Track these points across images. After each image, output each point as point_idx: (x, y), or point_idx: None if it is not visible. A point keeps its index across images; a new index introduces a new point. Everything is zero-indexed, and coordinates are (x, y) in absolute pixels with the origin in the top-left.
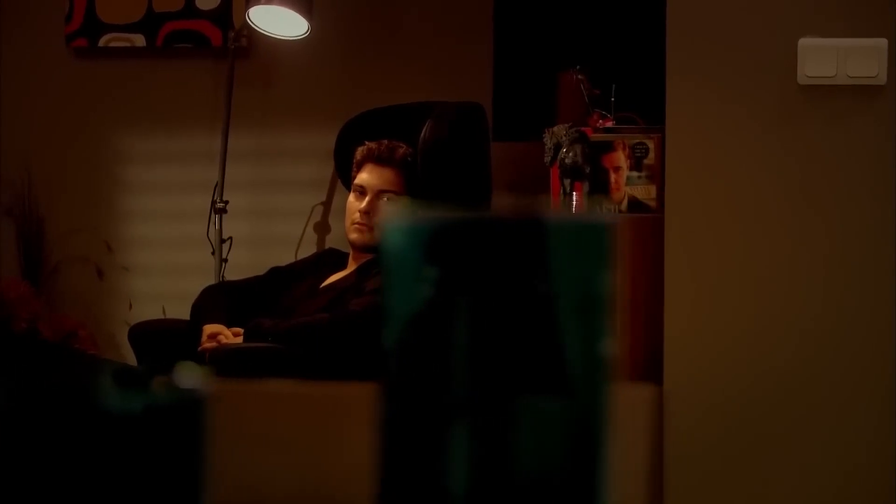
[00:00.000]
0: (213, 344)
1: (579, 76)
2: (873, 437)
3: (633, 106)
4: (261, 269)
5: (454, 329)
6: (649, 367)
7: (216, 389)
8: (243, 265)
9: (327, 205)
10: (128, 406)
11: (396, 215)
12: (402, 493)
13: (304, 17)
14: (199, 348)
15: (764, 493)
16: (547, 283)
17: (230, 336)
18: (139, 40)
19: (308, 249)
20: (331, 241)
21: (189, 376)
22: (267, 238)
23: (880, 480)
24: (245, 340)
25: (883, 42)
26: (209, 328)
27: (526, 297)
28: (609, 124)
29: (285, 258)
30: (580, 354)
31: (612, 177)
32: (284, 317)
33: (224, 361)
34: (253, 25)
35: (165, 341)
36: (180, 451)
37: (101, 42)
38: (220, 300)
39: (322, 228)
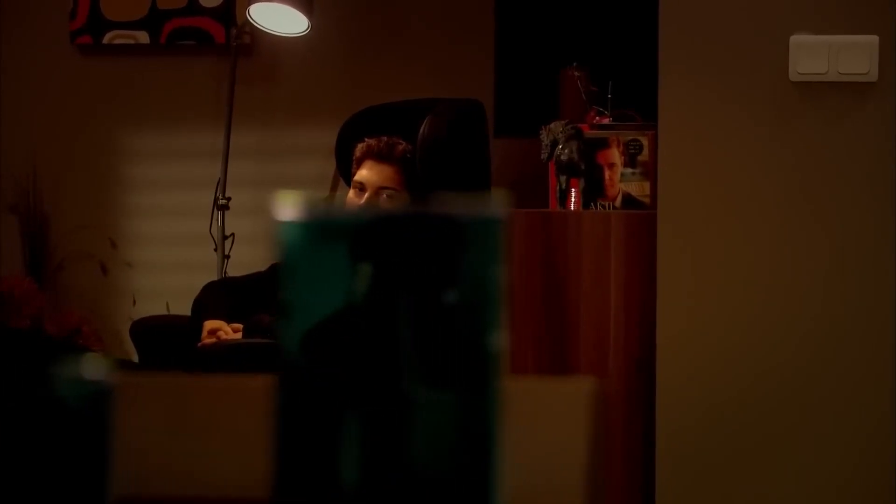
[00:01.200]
0: (213, 340)
1: (577, 73)
2: (872, 438)
3: (632, 103)
4: (263, 266)
5: (350, 323)
6: (643, 365)
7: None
8: (246, 262)
9: (329, 201)
10: (32, 398)
11: (291, 210)
12: (296, 485)
13: (305, 14)
14: (199, 344)
15: (760, 494)
16: (439, 278)
17: (230, 332)
18: (143, 37)
19: None
20: None
21: (94, 369)
22: (269, 235)
23: (879, 481)
24: (245, 336)
25: (874, 39)
26: (209, 324)
27: (419, 291)
28: (606, 121)
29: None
30: (471, 348)
31: (607, 173)
32: None
33: (223, 357)
34: (253, 22)
35: (167, 337)
36: (85, 443)
37: (105, 39)
38: (221, 296)
39: None
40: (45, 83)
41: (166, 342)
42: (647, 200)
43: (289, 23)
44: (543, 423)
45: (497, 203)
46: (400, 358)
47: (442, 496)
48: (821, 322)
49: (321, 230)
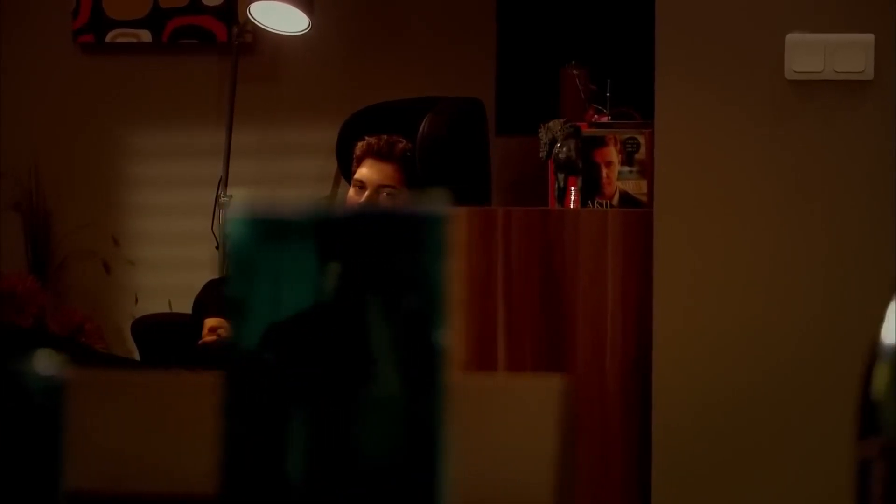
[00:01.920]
0: (214, 337)
1: (575, 71)
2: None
3: (632, 101)
4: None
5: (295, 320)
6: (640, 364)
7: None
8: None
9: (331, 199)
10: None
11: (239, 209)
12: (242, 480)
13: (305, 12)
14: (200, 342)
15: (756, 494)
16: (384, 276)
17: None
18: (145, 36)
19: None
20: None
21: (47, 364)
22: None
23: None
24: None
25: (870, 37)
26: (210, 322)
27: (364, 289)
28: (605, 119)
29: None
30: (417, 345)
31: (604, 172)
32: None
33: (223, 355)
34: (254, 21)
35: (168, 335)
36: (37, 438)
37: (108, 38)
38: (222, 294)
39: None
40: (48, 81)
41: (167, 340)
42: (644, 199)
43: (289, 21)
44: (513, 420)
45: (440, 201)
46: (346, 356)
47: (389, 491)
48: (818, 321)
49: (268, 228)
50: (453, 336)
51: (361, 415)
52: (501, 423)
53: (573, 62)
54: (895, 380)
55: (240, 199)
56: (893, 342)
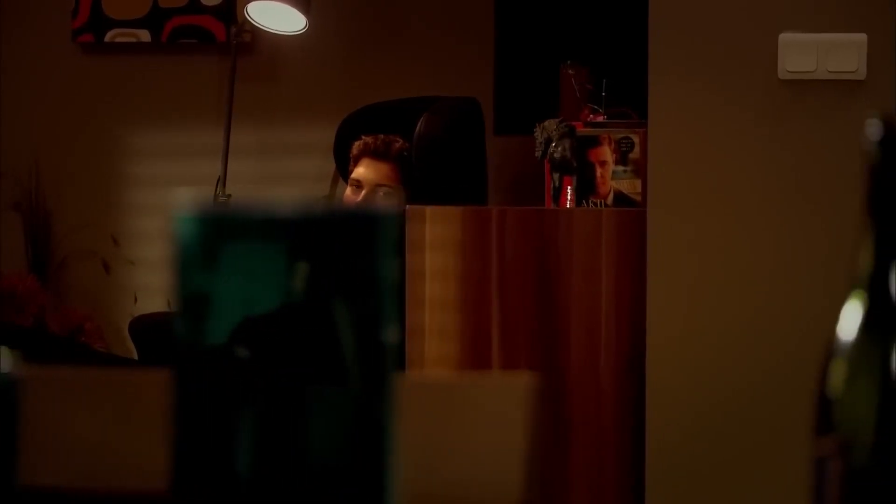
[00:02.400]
0: None
1: (571, 71)
2: None
3: (630, 101)
4: None
5: (243, 318)
6: (634, 363)
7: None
8: None
9: (329, 198)
10: None
11: (185, 206)
12: (193, 475)
13: (302, 12)
14: None
15: (751, 495)
16: (333, 274)
17: None
18: (144, 35)
19: None
20: None
21: (2, 360)
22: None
23: None
24: None
25: (862, 37)
26: None
27: (312, 288)
28: (600, 119)
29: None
30: (365, 343)
31: (599, 171)
32: None
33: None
34: (251, 20)
35: (165, 334)
36: None
37: (107, 37)
38: None
39: None
40: (47, 81)
41: (164, 339)
42: (638, 198)
43: (287, 21)
44: (482, 418)
45: (389, 201)
46: (295, 354)
47: (337, 487)
48: (812, 320)
49: (215, 225)
50: (400, 333)
51: (311, 411)
52: (470, 421)
53: (569, 62)
54: (851, 377)
55: (186, 197)
56: (848, 339)
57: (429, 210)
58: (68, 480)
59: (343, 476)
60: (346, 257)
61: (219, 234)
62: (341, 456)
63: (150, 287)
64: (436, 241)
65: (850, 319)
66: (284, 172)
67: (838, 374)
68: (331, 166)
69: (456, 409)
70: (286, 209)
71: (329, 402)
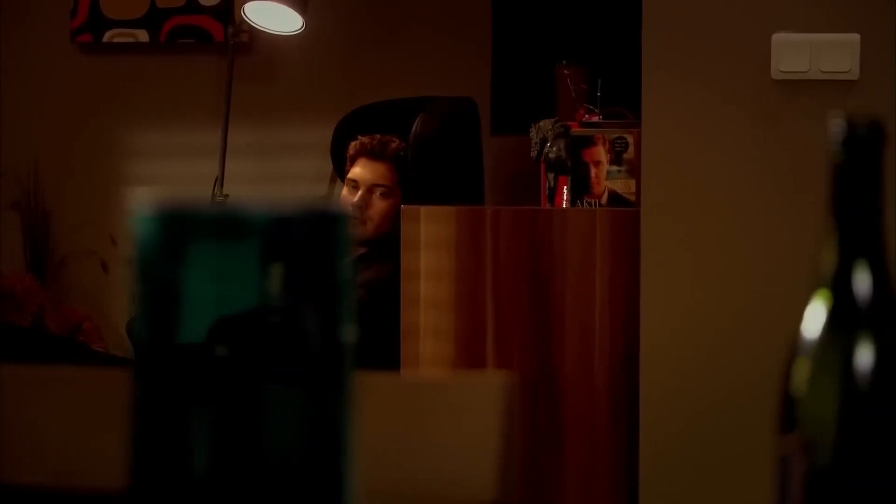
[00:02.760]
0: None
1: (566, 71)
2: None
3: (626, 101)
4: None
5: (201, 316)
6: (628, 362)
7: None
8: None
9: (327, 199)
10: None
11: (144, 206)
12: (150, 472)
13: (299, 12)
14: None
15: (745, 494)
16: (288, 274)
17: None
18: (143, 35)
19: None
20: None
21: None
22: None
23: None
24: None
25: (855, 37)
26: None
27: (270, 287)
28: (595, 119)
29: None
30: (322, 341)
31: (593, 171)
32: None
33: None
34: (248, 20)
35: None
36: None
37: (106, 37)
38: None
39: None
40: (46, 81)
41: None
42: (632, 198)
43: (284, 21)
44: (456, 416)
45: (340, 201)
46: (252, 352)
47: (295, 485)
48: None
49: (172, 225)
50: (355, 332)
51: (268, 410)
52: (443, 420)
53: (564, 62)
54: (814, 376)
55: (144, 195)
56: (812, 338)
57: (423, 210)
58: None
59: (301, 474)
60: (303, 257)
61: (176, 234)
62: (299, 454)
63: None
64: (430, 240)
65: (814, 318)
66: (282, 172)
67: (802, 373)
68: (328, 166)
69: (429, 408)
70: (245, 209)
71: (287, 400)
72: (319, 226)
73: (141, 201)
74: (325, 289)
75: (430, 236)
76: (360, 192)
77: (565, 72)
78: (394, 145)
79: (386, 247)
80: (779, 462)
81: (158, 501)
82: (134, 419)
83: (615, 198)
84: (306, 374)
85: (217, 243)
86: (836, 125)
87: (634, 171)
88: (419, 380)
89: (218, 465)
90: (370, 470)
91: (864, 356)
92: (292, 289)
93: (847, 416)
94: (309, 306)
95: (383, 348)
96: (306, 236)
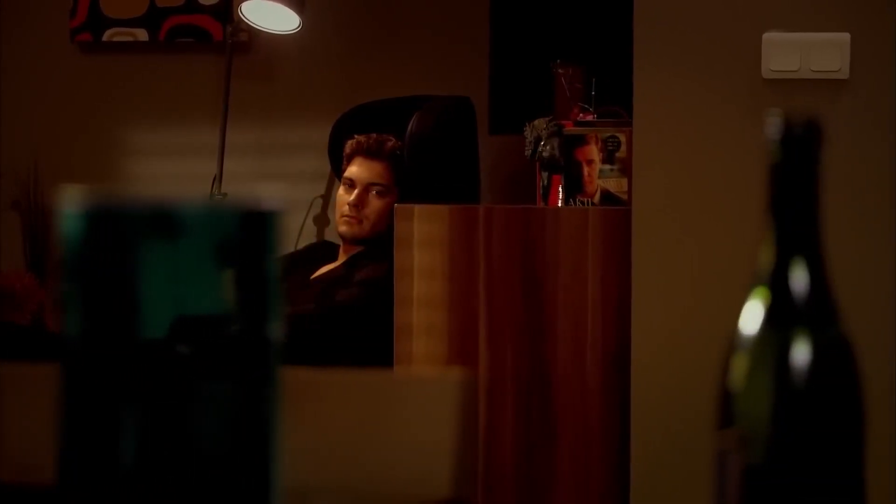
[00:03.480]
0: None
1: (560, 70)
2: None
3: (623, 100)
4: None
5: (128, 315)
6: (620, 360)
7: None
8: None
9: (326, 198)
10: None
11: (73, 202)
12: (78, 470)
13: (296, 12)
14: None
15: None
16: (217, 270)
17: None
18: (142, 35)
19: (307, 242)
20: (330, 234)
21: None
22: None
23: (876, 483)
24: None
25: (846, 36)
26: None
27: (195, 285)
28: (589, 118)
29: (284, 251)
30: (250, 337)
31: (586, 170)
32: None
33: None
34: (246, 20)
35: None
36: None
37: (105, 37)
38: None
39: (321, 221)
40: (46, 80)
41: None
42: (625, 197)
43: (281, 20)
44: (412, 414)
45: (271, 198)
46: (179, 349)
47: (221, 479)
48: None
49: (100, 221)
50: (282, 329)
51: (195, 405)
52: (398, 417)
53: (558, 61)
54: (751, 371)
55: (73, 193)
56: (749, 334)
57: (417, 208)
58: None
59: (227, 469)
60: (231, 253)
61: (103, 231)
62: (226, 449)
63: None
64: (423, 239)
65: (751, 314)
66: (281, 171)
67: (739, 369)
68: (327, 165)
69: (384, 404)
70: (175, 206)
71: (214, 396)
72: (249, 223)
73: (69, 199)
74: (253, 285)
75: (424, 235)
76: (356, 191)
77: (559, 71)
78: (390, 144)
79: (382, 246)
80: (716, 457)
81: (86, 497)
82: (62, 416)
83: (608, 197)
84: (234, 370)
85: (146, 241)
86: (772, 124)
87: (627, 169)
88: (377, 377)
89: (145, 461)
90: (326, 466)
91: (800, 353)
92: (221, 285)
93: (781, 413)
94: (237, 302)
95: (380, 347)
96: (236, 233)
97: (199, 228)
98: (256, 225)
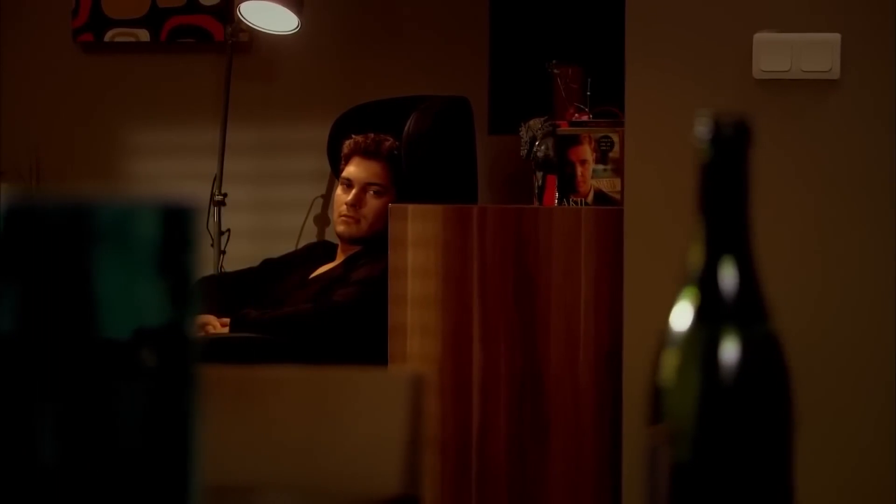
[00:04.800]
0: (202, 333)
1: (556, 70)
2: (871, 442)
3: (620, 100)
4: (258, 261)
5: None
6: (613, 359)
7: None
8: (245, 257)
9: (326, 197)
10: None
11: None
12: None
13: (295, 12)
14: None
15: None
16: (133, 268)
17: (218, 326)
18: (143, 35)
19: (307, 242)
20: (330, 234)
21: None
22: (267, 230)
23: (879, 483)
24: (231, 330)
25: (836, 37)
26: (199, 318)
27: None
28: (585, 118)
29: (285, 250)
30: (167, 335)
31: (579, 170)
32: (273, 307)
33: (208, 350)
34: (245, 20)
35: None
36: None
37: (107, 37)
38: (212, 291)
39: (321, 221)
40: (48, 80)
41: None
42: (618, 197)
43: (280, 21)
44: (362, 411)
45: (189, 195)
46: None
47: (140, 475)
48: (784, 317)
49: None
50: (196, 326)
51: (112, 402)
52: (349, 414)
53: (554, 61)
54: (680, 368)
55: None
56: (679, 331)
57: (410, 208)
58: None
59: (145, 466)
60: (148, 249)
61: (22, 228)
62: (144, 446)
63: None
64: (418, 238)
65: (681, 312)
66: (281, 171)
67: (669, 365)
68: (327, 165)
69: (334, 402)
70: (90, 202)
71: (132, 393)
72: (166, 219)
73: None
74: (170, 282)
75: (418, 234)
76: (353, 191)
77: (556, 71)
78: (388, 144)
79: (380, 245)
80: (647, 453)
81: (5, 495)
82: None
83: (601, 196)
84: (152, 367)
85: (64, 238)
86: (702, 124)
87: (620, 170)
88: (327, 374)
89: (65, 459)
90: (275, 463)
91: (728, 350)
92: (139, 282)
93: (709, 409)
94: (154, 298)
95: (377, 346)
96: (153, 229)
97: (117, 226)
98: (175, 222)
